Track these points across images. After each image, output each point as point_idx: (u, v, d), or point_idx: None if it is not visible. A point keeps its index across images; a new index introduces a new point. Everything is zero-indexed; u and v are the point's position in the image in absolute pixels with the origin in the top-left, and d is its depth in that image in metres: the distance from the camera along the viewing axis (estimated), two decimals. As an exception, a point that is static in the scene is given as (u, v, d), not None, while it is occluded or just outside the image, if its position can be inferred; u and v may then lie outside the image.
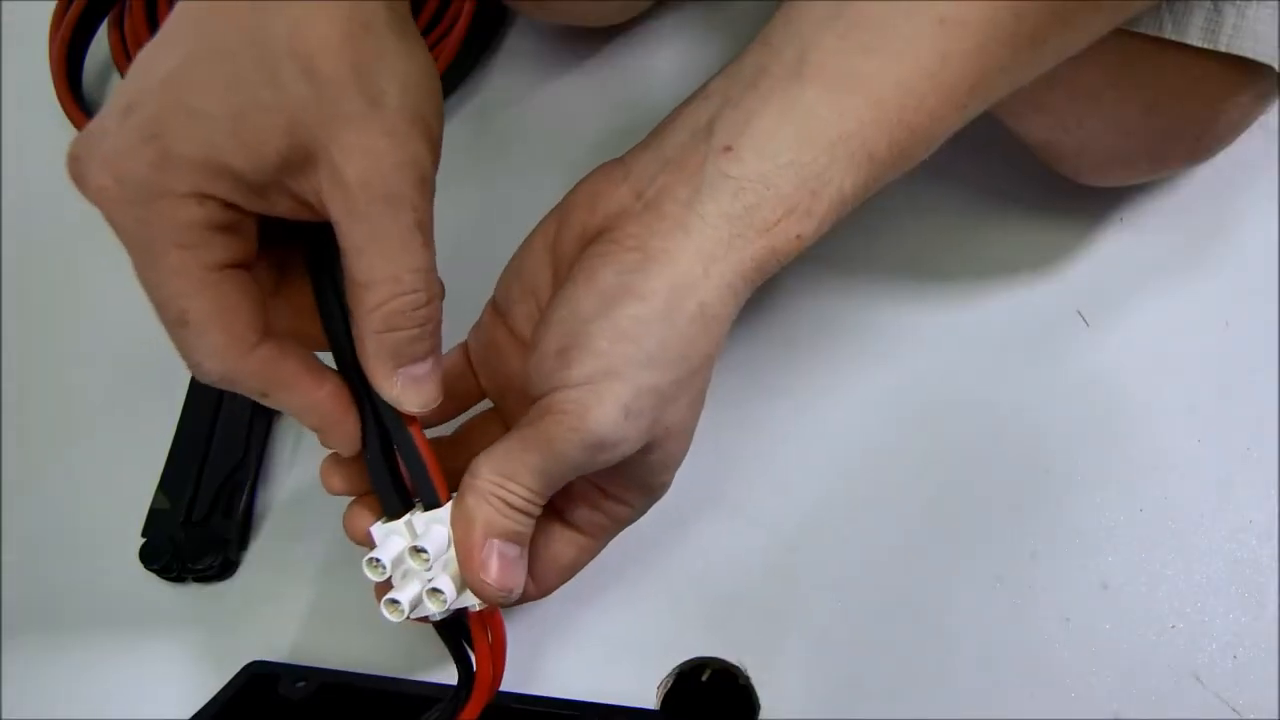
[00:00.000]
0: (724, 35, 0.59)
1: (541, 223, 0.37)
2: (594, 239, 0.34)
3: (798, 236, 0.32)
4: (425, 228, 0.31)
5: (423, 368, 0.33)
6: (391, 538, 0.34)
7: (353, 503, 0.37)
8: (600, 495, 0.37)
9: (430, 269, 0.32)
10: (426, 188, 0.31)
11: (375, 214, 0.30)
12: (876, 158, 0.32)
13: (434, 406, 0.34)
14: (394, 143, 0.30)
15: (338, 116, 0.29)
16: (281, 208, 0.31)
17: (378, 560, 0.33)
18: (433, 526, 0.34)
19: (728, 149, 0.32)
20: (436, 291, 0.33)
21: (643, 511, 0.38)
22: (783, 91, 0.32)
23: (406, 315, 0.32)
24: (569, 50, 0.60)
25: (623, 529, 0.38)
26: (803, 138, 0.31)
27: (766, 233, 0.32)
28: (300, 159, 0.30)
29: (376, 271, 0.31)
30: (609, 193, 0.34)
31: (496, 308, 0.39)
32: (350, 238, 0.31)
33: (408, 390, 0.33)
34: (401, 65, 0.31)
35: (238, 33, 0.29)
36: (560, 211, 0.36)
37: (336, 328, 0.34)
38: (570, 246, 0.35)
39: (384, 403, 0.35)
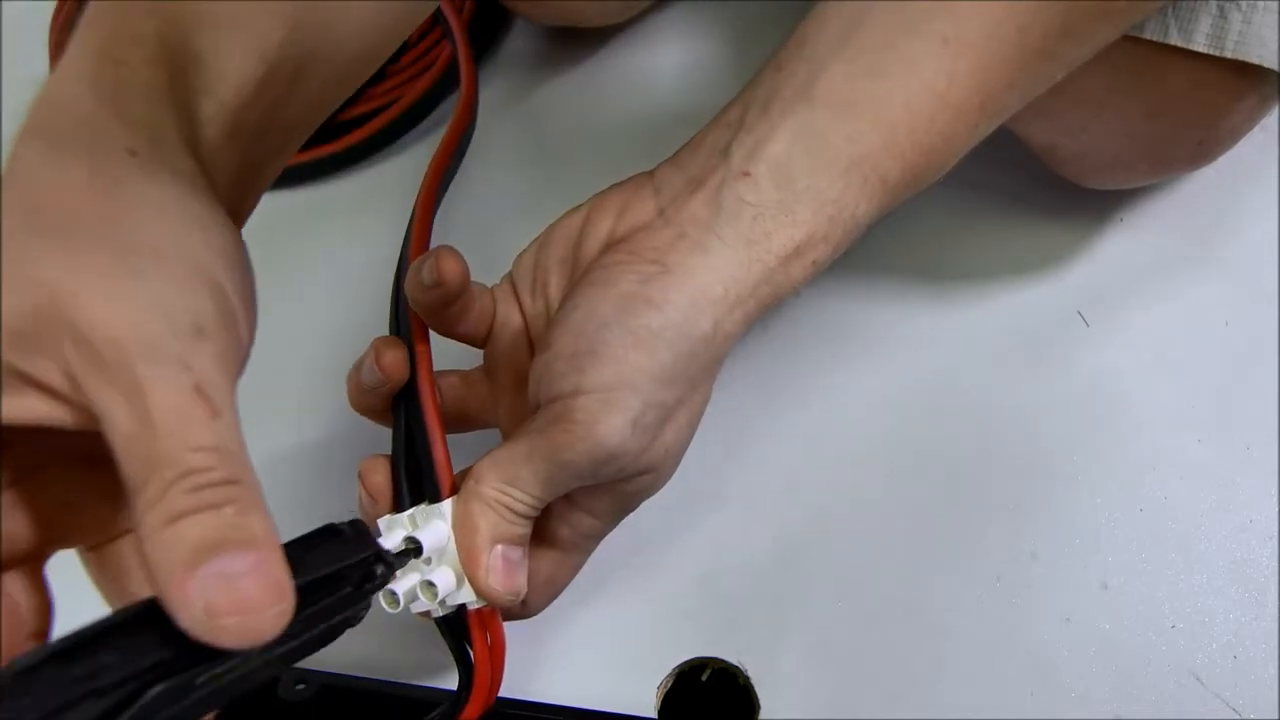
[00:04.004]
0: (723, 35, 0.59)
1: (563, 219, 0.37)
2: (612, 248, 0.34)
3: (813, 262, 0.33)
4: (210, 395, 0.23)
5: (240, 561, 0.22)
6: (395, 529, 0.34)
7: (372, 456, 0.37)
8: (576, 511, 0.36)
9: (228, 448, 0.23)
10: (206, 343, 0.24)
11: (135, 380, 0.22)
12: (889, 182, 0.32)
13: (275, 635, 0.22)
14: (150, 288, 0.23)
15: (78, 270, 0.23)
16: (24, 409, 0.24)
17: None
18: (432, 520, 0.34)
19: (745, 174, 0.32)
20: (241, 474, 0.23)
21: (612, 528, 0.38)
22: (794, 115, 0.32)
23: (191, 496, 0.22)
24: (569, 51, 0.60)
25: (596, 545, 0.38)
26: (816, 164, 0.32)
27: (783, 258, 0.32)
28: (36, 329, 0.23)
29: (151, 460, 0.22)
30: (637, 206, 0.34)
31: (514, 287, 0.39)
32: (114, 421, 0.22)
33: (217, 603, 0.21)
34: (166, 217, 0.25)
35: None
36: (587, 216, 0.36)
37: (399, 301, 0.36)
38: (590, 251, 0.35)
39: (412, 399, 0.36)
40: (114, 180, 0.25)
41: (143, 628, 0.22)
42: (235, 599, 0.21)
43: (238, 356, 0.26)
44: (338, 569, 0.27)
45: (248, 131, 0.30)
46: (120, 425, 0.22)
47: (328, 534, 0.28)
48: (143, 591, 0.29)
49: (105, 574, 0.30)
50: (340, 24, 0.32)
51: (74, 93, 0.27)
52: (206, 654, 0.22)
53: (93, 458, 0.26)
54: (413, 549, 0.33)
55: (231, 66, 0.29)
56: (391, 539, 0.34)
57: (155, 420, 0.22)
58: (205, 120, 0.29)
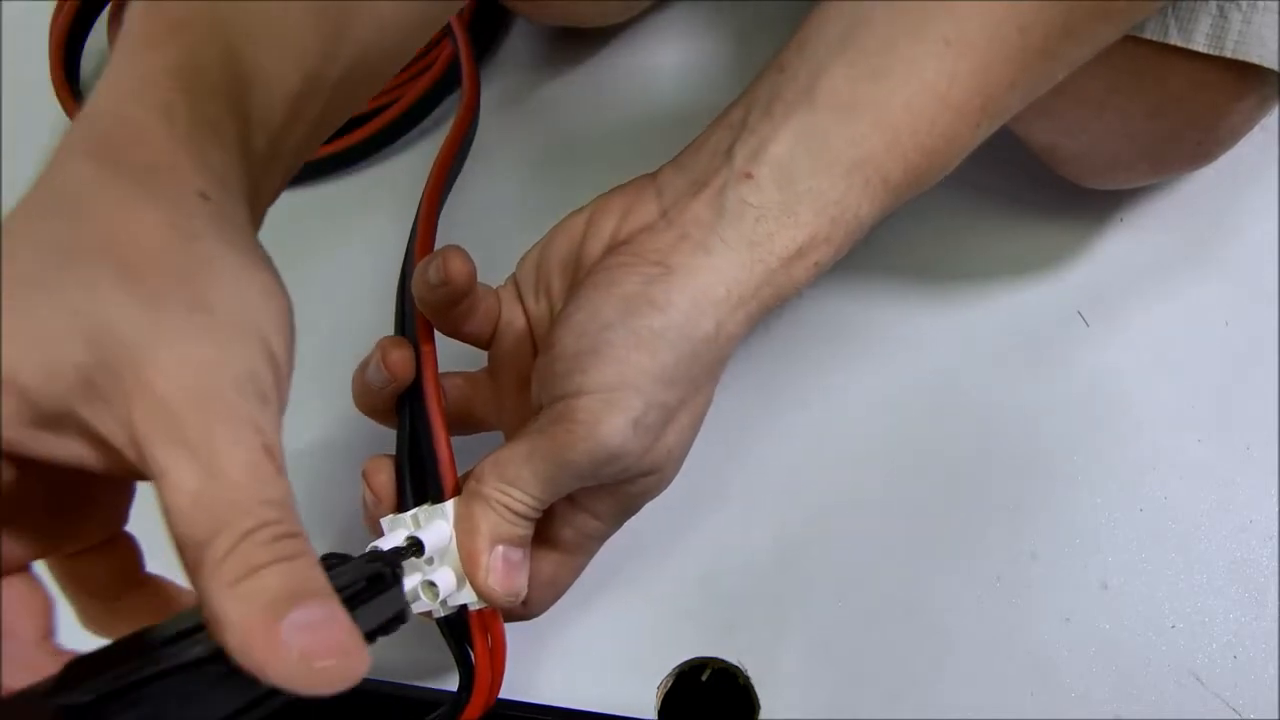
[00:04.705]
0: (724, 35, 0.59)
1: (566, 221, 0.37)
2: (615, 250, 0.34)
3: (816, 264, 0.33)
4: (276, 456, 0.24)
5: (314, 611, 0.22)
6: (397, 529, 0.35)
7: (376, 455, 0.37)
8: (580, 512, 0.36)
9: (290, 505, 0.24)
10: (270, 409, 0.25)
11: (207, 436, 0.23)
12: (892, 183, 0.32)
13: (360, 672, 0.22)
14: (225, 353, 0.24)
15: (156, 326, 0.23)
16: (68, 450, 0.24)
17: (377, 550, 0.34)
18: (434, 520, 0.34)
19: (748, 175, 0.32)
20: (301, 530, 0.23)
21: (615, 529, 0.38)
22: (796, 118, 0.32)
23: (268, 548, 0.22)
24: (569, 51, 0.60)
25: (599, 546, 0.38)
26: (818, 165, 0.32)
27: (786, 259, 0.32)
28: (104, 381, 0.23)
29: (223, 513, 0.22)
30: (640, 207, 0.34)
31: (518, 289, 0.39)
32: (176, 477, 0.22)
33: (313, 648, 0.21)
34: (235, 279, 0.26)
35: (54, 221, 0.25)
36: (589, 217, 0.36)
37: (405, 301, 0.36)
38: (593, 253, 0.35)
39: (418, 399, 0.36)
40: (191, 231, 0.25)
41: (198, 678, 0.22)
42: (328, 643, 0.22)
43: (281, 419, 0.26)
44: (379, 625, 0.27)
45: (284, 155, 0.31)
46: (185, 482, 0.22)
47: (376, 583, 0.28)
48: (113, 600, 0.29)
49: (76, 582, 0.29)
50: (374, 36, 0.32)
51: (144, 119, 0.27)
52: (258, 699, 0.22)
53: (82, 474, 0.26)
54: (414, 548, 0.33)
55: (279, 90, 0.29)
56: (394, 538, 0.34)
57: (231, 477, 0.22)
58: (256, 153, 0.29)
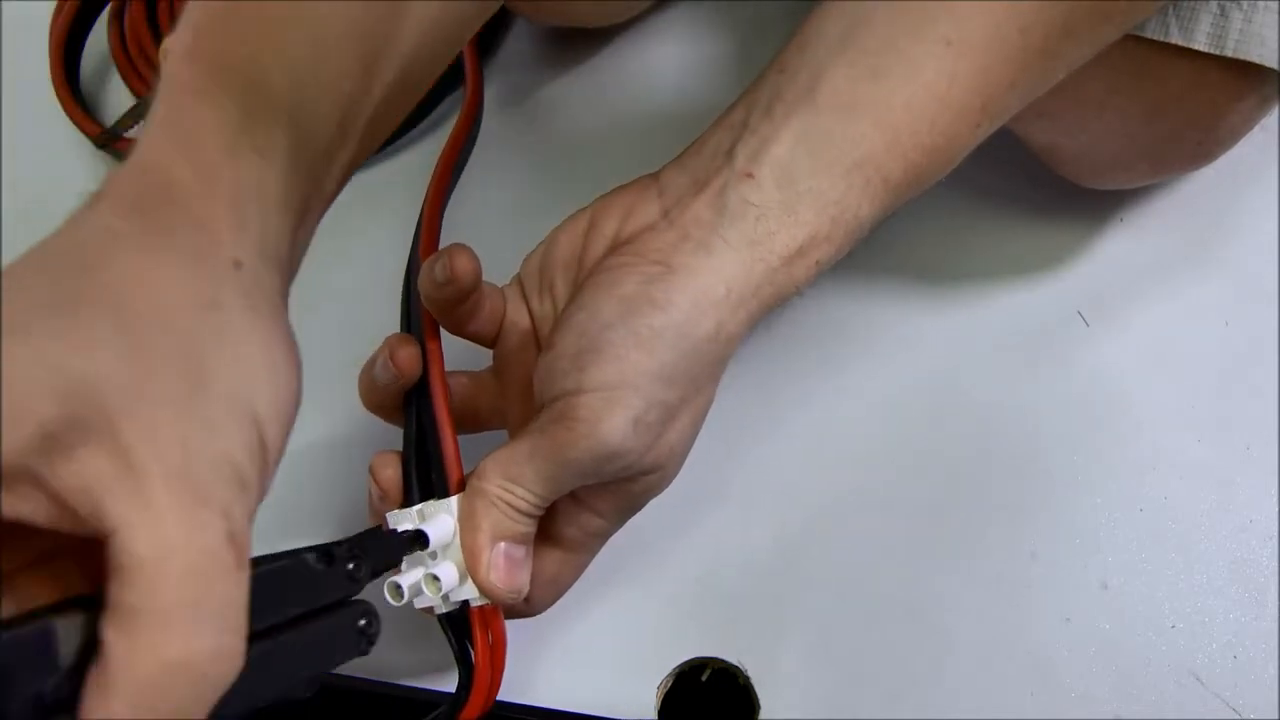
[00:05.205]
0: (723, 35, 0.59)
1: (569, 222, 0.37)
2: (617, 250, 0.34)
3: (816, 263, 0.33)
4: (239, 546, 0.23)
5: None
6: (402, 523, 0.35)
7: (383, 451, 0.37)
8: (583, 511, 0.36)
9: (236, 605, 0.22)
10: (246, 496, 0.24)
11: (171, 510, 0.21)
12: (892, 182, 0.32)
13: None
14: (211, 432, 0.23)
15: (143, 387, 0.22)
16: (25, 507, 0.21)
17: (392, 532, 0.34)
18: (439, 515, 0.34)
19: (749, 175, 0.32)
20: (238, 625, 0.22)
21: (618, 528, 0.38)
22: (797, 118, 0.32)
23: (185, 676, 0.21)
24: (569, 52, 0.60)
25: (602, 544, 0.38)
26: (818, 165, 0.32)
27: (786, 258, 0.32)
28: (70, 436, 0.21)
29: (154, 591, 0.21)
30: (642, 208, 0.35)
31: (522, 289, 0.39)
32: (127, 538, 0.21)
33: None
34: (244, 355, 0.25)
35: (61, 270, 0.24)
36: (591, 217, 0.36)
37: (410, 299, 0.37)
38: (596, 253, 0.35)
39: (424, 396, 0.36)
40: (212, 299, 0.25)
41: None
42: None
43: (257, 507, 0.25)
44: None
45: (326, 187, 0.31)
46: (135, 545, 0.21)
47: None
48: None
49: None
50: (415, 50, 0.31)
51: (185, 178, 0.27)
52: None
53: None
54: (419, 542, 0.33)
55: (323, 130, 0.29)
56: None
57: (181, 560, 0.21)
58: (300, 203, 0.29)
